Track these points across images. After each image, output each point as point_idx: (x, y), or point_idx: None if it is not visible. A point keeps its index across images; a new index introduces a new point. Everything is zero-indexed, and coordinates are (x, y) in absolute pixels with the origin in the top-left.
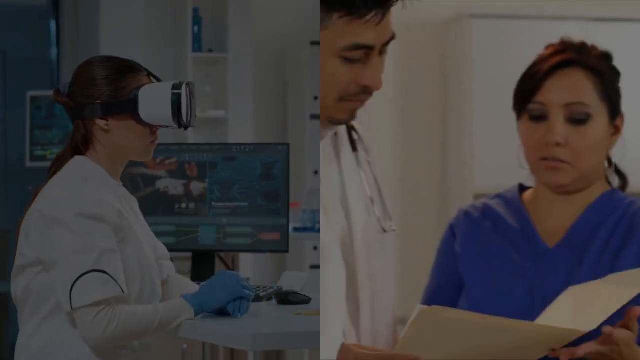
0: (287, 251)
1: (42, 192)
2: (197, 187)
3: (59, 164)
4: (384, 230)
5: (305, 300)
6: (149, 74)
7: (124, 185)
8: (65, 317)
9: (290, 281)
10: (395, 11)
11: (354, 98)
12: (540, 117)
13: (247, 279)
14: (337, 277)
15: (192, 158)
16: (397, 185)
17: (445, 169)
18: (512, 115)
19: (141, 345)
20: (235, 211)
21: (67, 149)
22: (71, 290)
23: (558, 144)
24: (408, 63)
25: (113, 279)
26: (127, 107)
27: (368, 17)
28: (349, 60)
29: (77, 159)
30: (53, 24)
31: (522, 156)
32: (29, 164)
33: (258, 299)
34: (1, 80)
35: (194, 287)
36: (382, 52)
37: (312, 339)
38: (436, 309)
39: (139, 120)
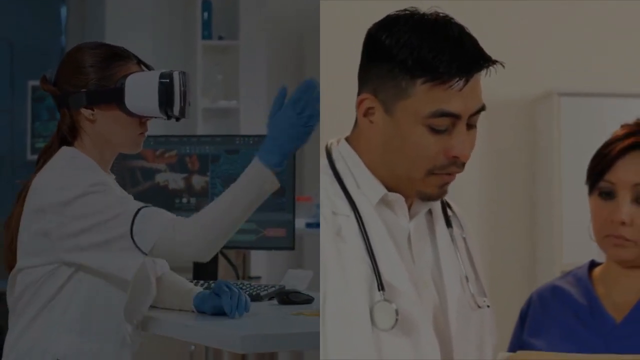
0: (292, 248)
1: (32, 188)
2: (198, 181)
3: (46, 155)
4: (478, 306)
5: (308, 300)
6: (140, 62)
7: (121, 180)
8: (55, 314)
9: (294, 280)
10: (483, 88)
11: (443, 171)
12: (608, 195)
13: (259, 278)
14: (433, 354)
15: (193, 150)
16: (483, 260)
17: (533, 245)
18: None
19: (137, 343)
20: None
21: (54, 140)
22: (132, 227)
23: (623, 223)
24: (496, 140)
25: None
26: (112, 96)
27: (451, 82)
28: (434, 130)
29: (65, 149)
30: (64, 10)
31: (592, 230)
32: (30, 157)
33: (258, 298)
34: (8, 70)
35: (188, 285)
36: (470, 124)
37: (309, 340)
38: (521, 354)
39: (126, 111)
